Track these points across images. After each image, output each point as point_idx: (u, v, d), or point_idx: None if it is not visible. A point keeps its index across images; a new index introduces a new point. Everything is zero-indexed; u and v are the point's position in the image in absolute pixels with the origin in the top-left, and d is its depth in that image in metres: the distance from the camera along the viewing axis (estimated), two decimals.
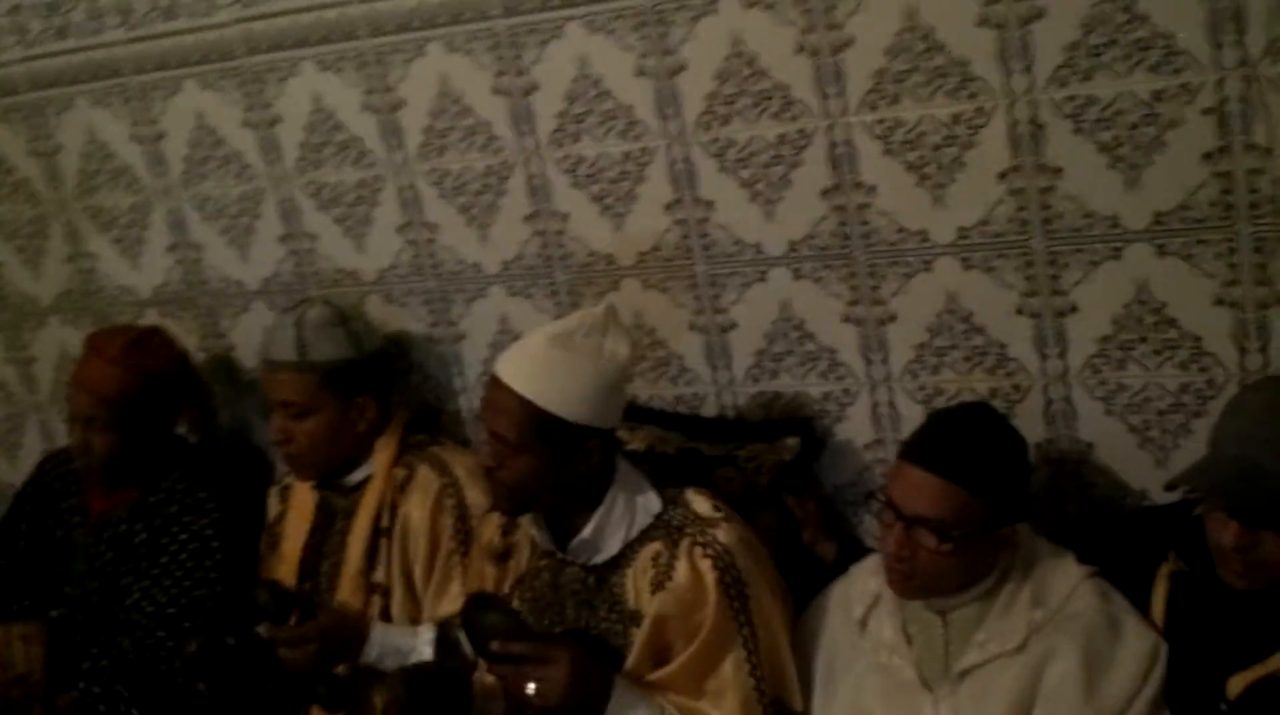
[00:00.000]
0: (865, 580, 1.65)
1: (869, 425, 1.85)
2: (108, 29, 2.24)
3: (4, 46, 2.35)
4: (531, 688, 1.54)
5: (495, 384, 1.63)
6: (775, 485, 1.80)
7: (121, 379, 2.14)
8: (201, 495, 2.18)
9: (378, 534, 1.97)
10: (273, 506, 2.15)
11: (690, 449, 1.83)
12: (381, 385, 2.05)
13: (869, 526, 1.86)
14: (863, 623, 1.62)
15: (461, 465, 2.00)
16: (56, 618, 2.24)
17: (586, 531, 1.66)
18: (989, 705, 1.50)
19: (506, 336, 2.13)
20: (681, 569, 1.60)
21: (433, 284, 2.17)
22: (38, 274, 2.56)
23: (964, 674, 1.52)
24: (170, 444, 2.28)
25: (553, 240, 2.03)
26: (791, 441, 1.81)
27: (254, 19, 2.11)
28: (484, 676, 1.75)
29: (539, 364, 1.61)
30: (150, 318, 2.45)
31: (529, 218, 2.04)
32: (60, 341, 2.60)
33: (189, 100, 2.23)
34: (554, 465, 1.61)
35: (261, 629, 1.87)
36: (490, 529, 1.85)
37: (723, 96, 1.80)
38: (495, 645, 1.56)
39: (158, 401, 2.19)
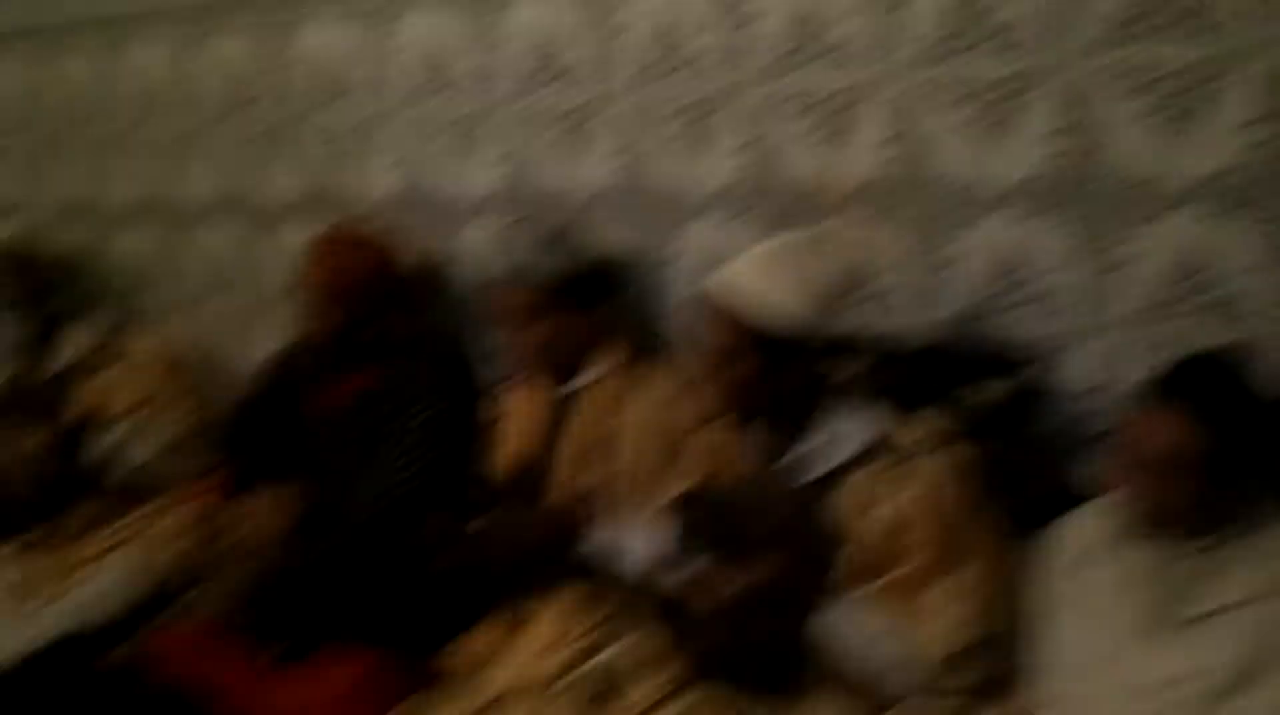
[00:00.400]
0: (1088, 524, 1.65)
1: (1087, 371, 1.85)
2: None
3: None
4: (740, 579, 1.60)
5: (709, 295, 1.70)
6: (987, 425, 1.82)
7: (332, 270, 2.34)
8: (418, 391, 2.34)
9: (599, 437, 2.06)
10: (495, 405, 2.28)
11: (904, 384, 1.85)
12: (609, 295, 2.16)
13: (1079, 475, 1.86)
14: (1083, 568, 1.63)
15: (678, 380, 2.07)
16: (302, 489, 2.45)
17: (804, 446, 1.71)
18: (1221, 653, 1.49)
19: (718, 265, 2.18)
20: (908, 483, 1.65)
21: (640, 206, 2.21)
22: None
23: (1193, 620, 1.52)
24: (392, 337, 2.44)
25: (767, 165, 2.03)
26: (1008, 383, 1.83)
27: None
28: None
29: (753, 277, 1.67)
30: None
31: (748, 144, 2.03)
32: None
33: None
34: (773, 368, 1.66)
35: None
36: (709, 433, 1.90)
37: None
38: (709, 535, 1.65)
39: (370, 291, 2.37)
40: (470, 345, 2.53)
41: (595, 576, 2.02)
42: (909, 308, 1.99)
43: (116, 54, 2.79)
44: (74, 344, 2.90)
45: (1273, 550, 1.50)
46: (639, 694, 1.89)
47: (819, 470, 1.73)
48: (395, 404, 2.35)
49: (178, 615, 2.32)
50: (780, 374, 1.68)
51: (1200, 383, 1.50)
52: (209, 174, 2.82)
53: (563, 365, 2.12)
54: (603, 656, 1.98)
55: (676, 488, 1.96)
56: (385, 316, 2.43)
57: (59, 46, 2.88)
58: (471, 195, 2.43)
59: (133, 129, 2.88)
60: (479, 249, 2.48)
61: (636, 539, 1.96)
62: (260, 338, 2.92)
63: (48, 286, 2.95)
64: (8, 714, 2.27)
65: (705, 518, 1.70)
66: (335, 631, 2.20)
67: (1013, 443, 1.84)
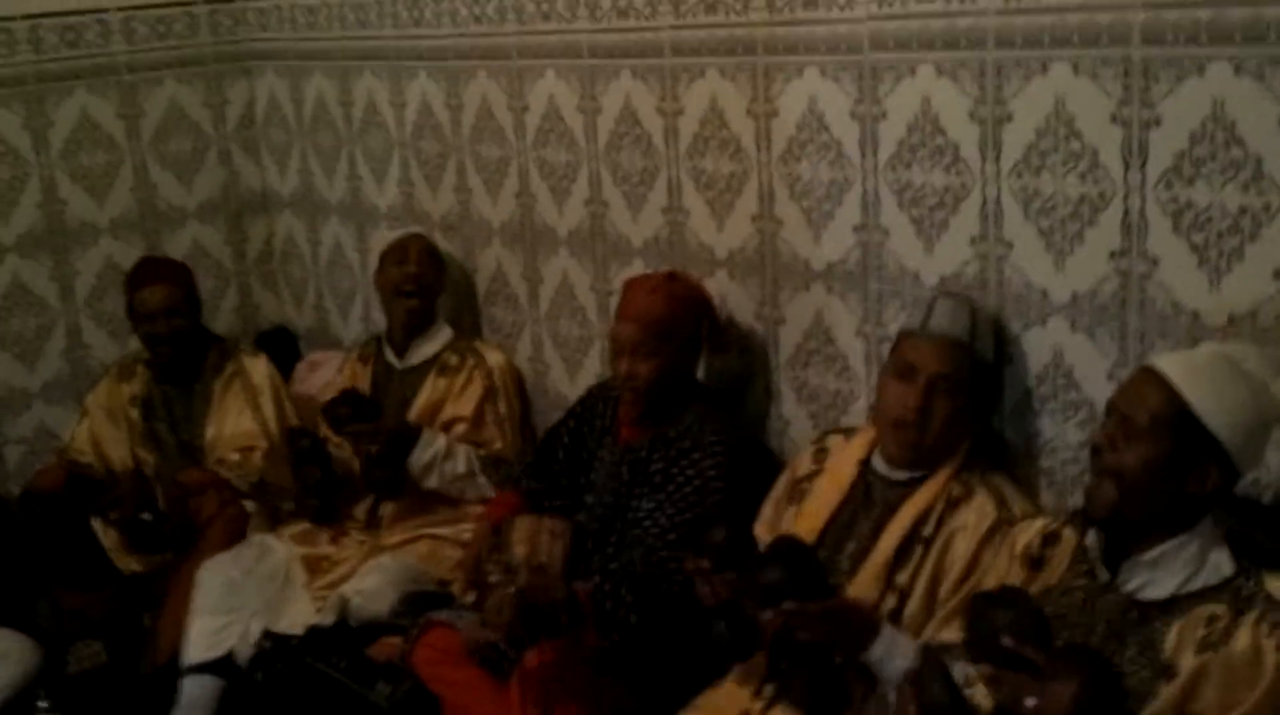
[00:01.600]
0: None
1: None
2: (752, 10, 2.50)
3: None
4: (1030, 702, 1.52)
5: (1147, 372, 1.66)
6: None
7: (661, 307, 2.48)
8: (712, 438, 2.43)
9: (915, 538, 2.03)
10: (804, 460, 2.30)
11: (1242, 533, 1.70)
12: (987, 395, 2.15)
13: None
14: None
15: (1019, 503, 2.03)
16: (580, 521, 2.59)
17: (1149, 555, 1.63)
18: None
19: (1057, 371, 2.11)
20: (1241, 639, 1.54)
21: (992, 302, 2.19)
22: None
23: None
24: (692, 383, 2.56)
25: (1135, 283, 1.98)
26: None
27: (886, 18, 2.25)
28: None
29: (1199, 366, 1.63)
30: (721, 277, 2.72)
31: (1113, 255, 2.00)
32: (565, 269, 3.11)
33: (806, 85, 2.43)
34: (1167, 467, 1.59)
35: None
36: (1030, 533, 1.86)
37: (1192, 157, 1.82)
38: (1007, 641, 1.56)
39: (688, 330, 2.50)
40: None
41: (869, 685, 1.96)
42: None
43: (522, 81, 3.12)
44: (437, 342, 3.21)
45: None
46: None
47: (1150, 593, 1.65)
48: (693, 444, 2.43)
49: (448, 621, 2.49)
50: (1167, 473, 1.60)
51: None
52: (575, 206, 3.05)
53: (939, 452, 2.08)
54: None
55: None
56: (692, 356, 2.55)
57: (465, 74, 3.27)
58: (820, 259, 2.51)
59: (518, 154, 3.18)
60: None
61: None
62: (592, 366, 3.12)
63: (441, 281, 3.27)
64: (287, 684, 2.51)
65: (1005, 622, 1.62)
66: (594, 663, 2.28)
67: None
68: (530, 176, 3.17)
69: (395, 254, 3.23)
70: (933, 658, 1.81)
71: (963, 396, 2.06)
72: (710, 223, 2.71)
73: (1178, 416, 1.59)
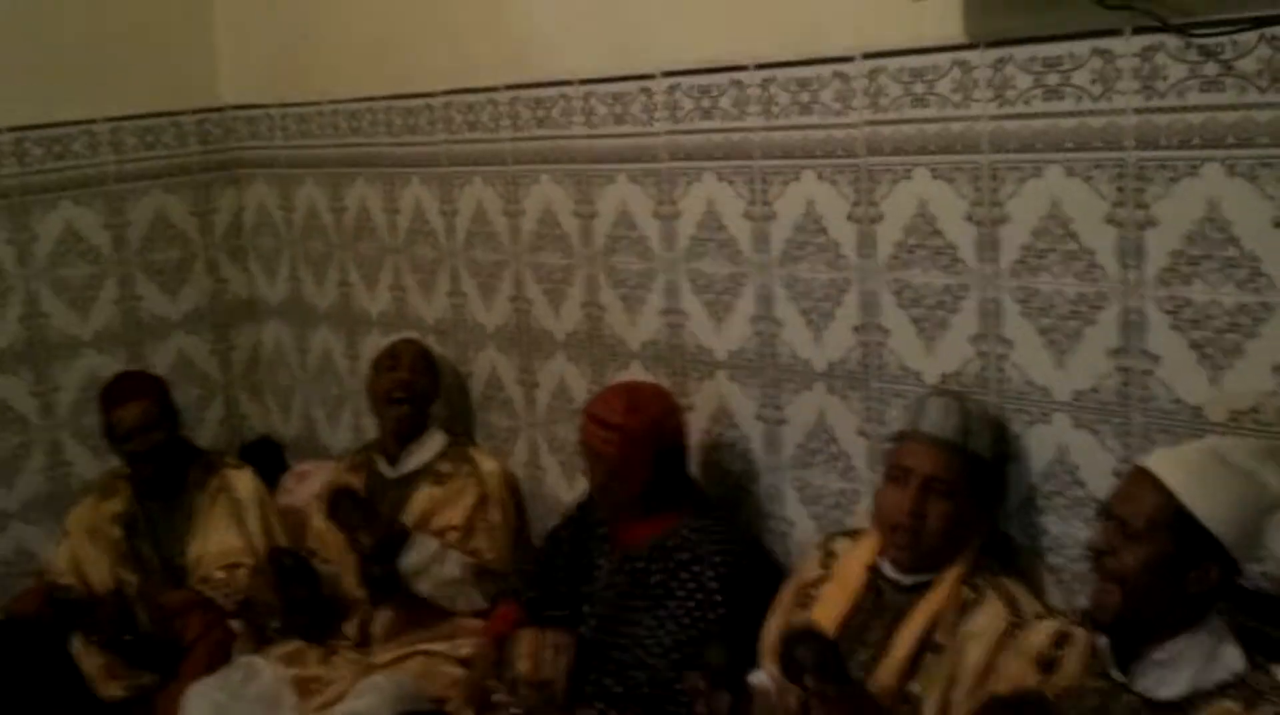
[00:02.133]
0: None
1: None
2: (749, 116, 2.59)
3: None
4: None
5: (1140, 473, 1.70)
6: None
7: (624, 431, 2.49)
8: (712, 549, 2.43)
9: (927, 646, 2.04)
10: (811, 565, 2.32)
11: (1254, 629, 1.73)
12: (994, 496, 2.17)
13: None
14: None
15: (1030, 605, 2.04)
16: (582, 633, 2.57)
17: (1159, 654, 1.66)
18: None
19: (1062, 468, 2.15)
20: None
21: (993, 400, 2.24)
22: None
23: None
24: (683, 485, 2.57)
25: (1137, 380, 2.03)
26: None
27: (882, 123, 2.34)
28: None
29: (1191, 465, 1.67)
30: (720, 378, 2.76)
31: (1113, 352, 2.05)
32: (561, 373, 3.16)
33: (804, 188, 2.51)
34: (1167, 567, 1.63)
35: (763, 680, 2.02)
36: (1042, 635, 1.88)
37: (1188, 257, 1.85)
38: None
39: (663, 444, 2.51)
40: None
41: None
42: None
43: (516, 187, 3.20)
44: (430, 449, 3.21)
45: None
46: None
47: (1162, 692, 1.67)
48: (692, 555, 2.44)
49: None
50: (1168, 573, 1.64)
51: None
52: (571, 309, 3.11)
53: (941, 555, 2.09)
54: None
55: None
56: (675, 466, 2.55)
57: (459, 179, 3.35)
58: (822, 359, 2.55)
59: (514, 258, 3.24)
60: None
61: None
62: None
63: (435, 387, 3.29)
64: None
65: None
66: None
67: None
68: (525, 280, 3.22)
69: (387, 360, 3.25)
70: None
71: (959, 497, 2.08)
72: (709, 324, 2.77)
73: (1174, 517, 1.63)
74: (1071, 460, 2.14)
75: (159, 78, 3.95)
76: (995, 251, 2.20)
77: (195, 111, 4.05)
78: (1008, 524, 2.24)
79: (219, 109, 4.09)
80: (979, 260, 2.23)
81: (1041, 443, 2.18)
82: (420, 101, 3.41)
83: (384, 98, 3.53)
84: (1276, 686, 1.60)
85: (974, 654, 1.99)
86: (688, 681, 2.06)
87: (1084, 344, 2.10)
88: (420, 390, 3.21)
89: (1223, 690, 1.63)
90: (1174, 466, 1.68)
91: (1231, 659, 1.65)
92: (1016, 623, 2.00)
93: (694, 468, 2.76)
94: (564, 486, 3.19)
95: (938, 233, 2.29)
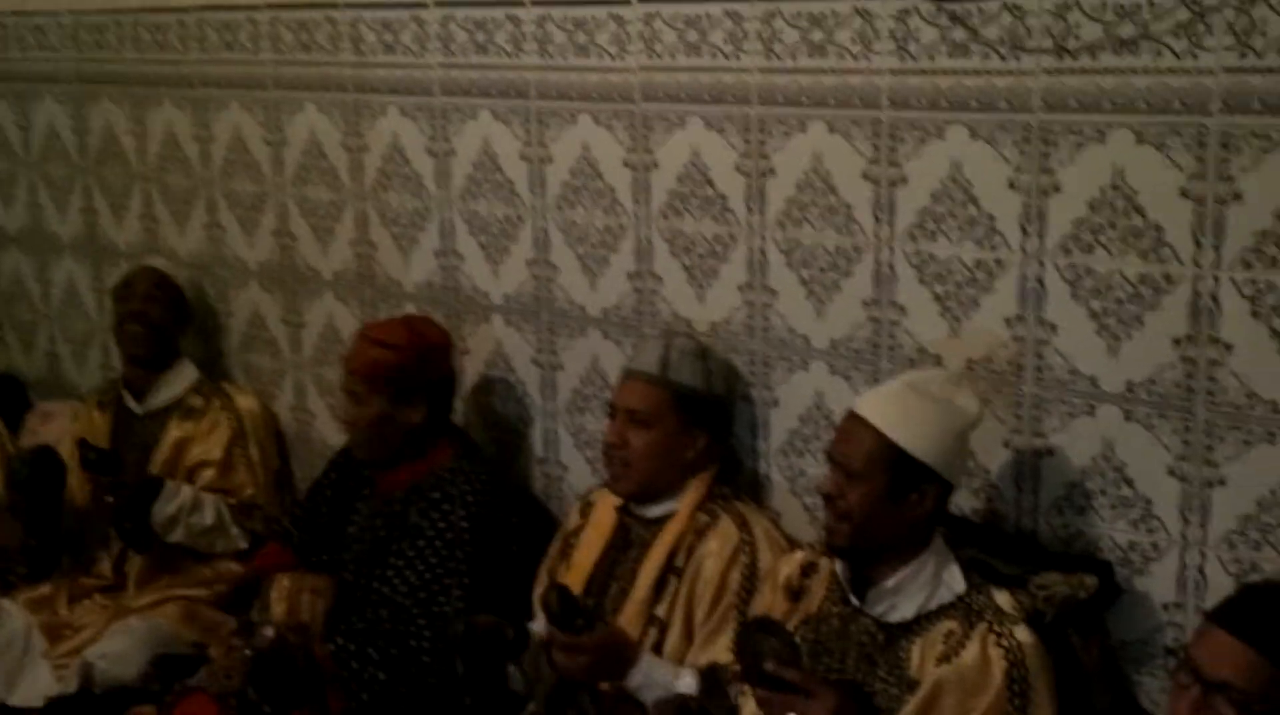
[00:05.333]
0: None
1: (1173, 585, 1.96)
2: (524, 54, 2.70)
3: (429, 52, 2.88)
4: None
5: (851, 416, 1.94)
6: (1061, 620, 1.94)
7: (385, 357, 2.58)
8: (465, 488, 2.56)
9: (669, 570, 2.27)
10: (572, 517, 2.52)
11: (982, 561, 2.00)
12: (718, 426, 2.37)
13: (1148, 689, 1.98)
14: None
15: (761, 525, 2.30)
16: (342, 579, 2.68)
17: (889, 582, 1.91)
18: None
19: (819, 412, 2.39)
20: (972, 650, 1.82)
21: (758, 347, 2.45)
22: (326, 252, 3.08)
23: None
24: (441, 429, 2.67)
25: (886, 329, 2.27)
26: (1090, 580, 1.94)
27: (656, 70, 2.49)
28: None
29: (893, 401, 1.91)
30: (497, 323, 2.89)
31: (867, 303, 2.29)
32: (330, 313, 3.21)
33: (580, 132, 2.65)
34: (889, 498, 1.87)
35: (539, 628, 2.20)
36: (791, 566, 2.10)
37: (1091, 224, 1.99)
38: (770, 666, 1.81)
39: (417, 379, 2.60)
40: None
41: (637, 711, 2.18)
42: (1003, 489, 2.15)
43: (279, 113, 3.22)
44: (179, 383, 3.23)
45: None
46: None
47: (897, 616, 1.91)
48: (444, 495, 2.57)
49: (202, 682, 2.50)
50: (889, 503, 1.88)
51: (1264, 612, 1.58)
52: (340, 247, 3.16)
53: (657, 482, 2.32)
54: None
55: (729, 641, 2.13)
56: (428, 405, 2.65)
57: (215, 104, 3.34)
58: (596, 305, 2.71)
59: (275, 190, 3.26)
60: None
61: (683, 682, 2.15)
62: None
63: (180, 318, 3.29)
64: None
65: (768, 649, 1.85)
66: None
67: (1088, 642, 1.96)
68: (290, 214, 3.25)
69: (121, 289, 3.27)
70: (714, 679, 2.04)
71: (660, 426, 2.30)
72: (485, 267, 2.88)
73: (886, 452, 1.87)
74: (828, 405, 2.37)
75: None
76: (763, 203, 2.39)
77: None
78: (768, 464, 2.47)
79: None
80: (748, 211, 2.42)
81: (799, 389, 2.41)
82: (171, 17, 3.36)
83: (130, 10, 3.45)
84: (992, 605, 1.87)
85: (709, 571, 2.25)
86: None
87: (841, 295, 2.32)
88: (157, 319, 3.22)
89: (946, 610, 1.89)
90: (878, 406, 1.92)
91: (953, 581, 1.91)
92: (747, 539, 2.26)
93: (467, 412, 2.89)
94: (333, 431, 3.25)
95: (709, 182, 2.46)
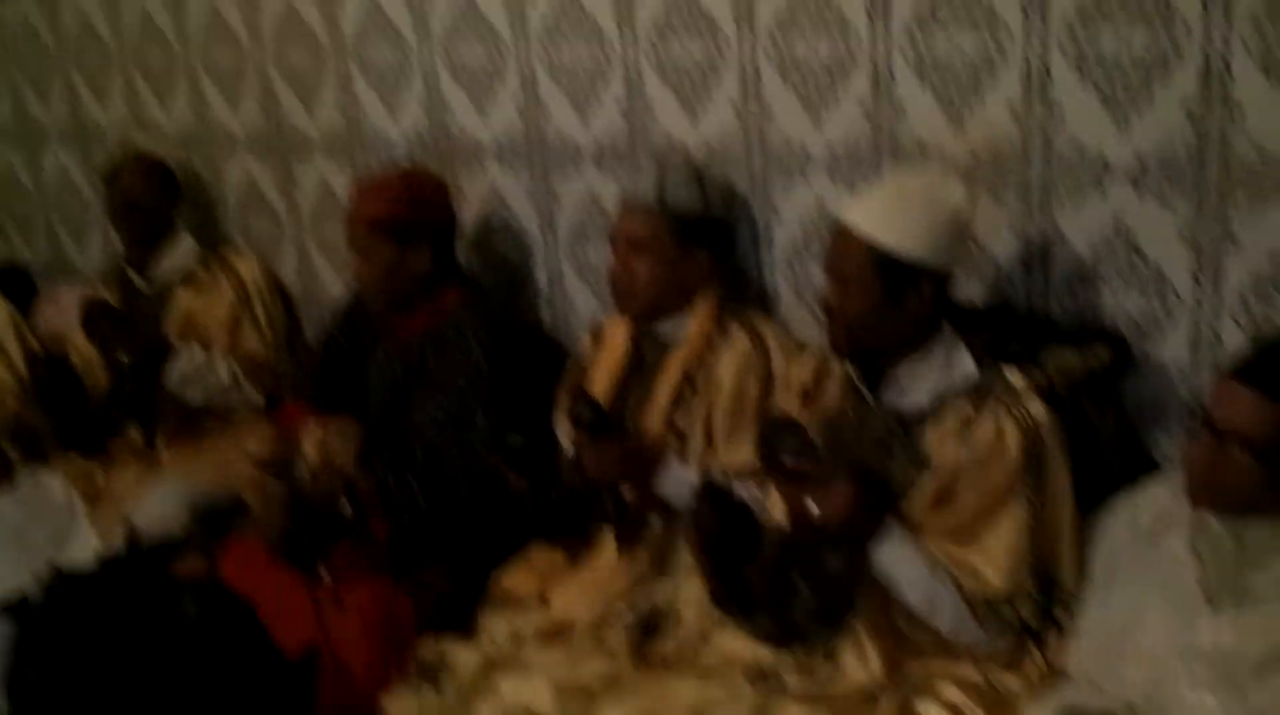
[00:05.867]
0: (1157, 495, 1.71)
1: (1186, 350, 1.88)
2: None
3: None
4: (813, 505, 1.71)
5: (839, 228, 1.82)
6: (1075, 392, 1.85)
7: (377, 207, 2.42)
8: (477, 323, 2.45)
9: (686, 385, 2.18)
10: (585, 344, 2.42)
11: (995, 343, 1.89)
12: (719, 244, 2.25)
13: (1162, 447, 1.91)
14: (1151, 535, 1.67)
15: (772, 333, 2.21)
16: (368, 424, 2.56)
17: (902, 372, 1.83)
18: (1274, 628, 1.52)
19: (821, 221, 2.25)
20: (986, 427, 1.75)
21: (757, 162, 2.30)
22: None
23: (1252, 593, 1.55)
24: (449, 273, 2.53)
25: (886, 130, 2.12)
26: (1103, 351, 1.87)
27: None
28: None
29: (875, 205, 1.80)
30: (491, 167, 2.71)
31: (865, 106, 2.13)
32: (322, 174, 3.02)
33: None
34: (887, 301, 1.77)
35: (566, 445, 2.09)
36: (804, 370, 2.02)
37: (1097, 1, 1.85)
38: (788, 459, 1.74)
39: (418, 224, 2.45)
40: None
41: (665, 514, 2.12)
42: (1019, 270, 2.03)
43: None
44: (181, 254, 3.09)
45: None
46: (683, 632, 1.98)
47: (910, 405, 1.83)
48: (459, 334, 2.46)
49: (241, 533, 2.44)
50: (887, 306, 1.77)
51: (1274, 362, 1.52)
52: (325, 107, 2.96)
53: (663, 303, 2.20)
54: (654, 592, 2.08)
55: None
56: (433, 249, 2.49)
57: None
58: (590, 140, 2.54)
59: (255, 58, 3.04)
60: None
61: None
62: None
63: (171, 195, 3.11)
64: (85, 615, 2.36)
65: (791, 441, 1.78)
66: (399, 553, 2.27)
67: (1103, 410, 1.87)
68: (273, 80, 3.03)
69: (110, 177, 3.11)
70: (707, 485, 1.96)
71: (660, 252, 2.17)
72: (473, 113, 2.70)
73: (875, 258, 1.76)
74: (830, 213, 2.22)
75: None
76: (752, 17, 2.22)
77: None
78: (774, 276, 2.35)
79: None
80: (737, 28, 2.24)
81: (799, 200, 2.27)
82: None
83: None
84: (1005, 383, 1.78)
85: (726, 381, 2.15)
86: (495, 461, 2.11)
87: (837, 102, 2.17)
88: (148, 202, 3.07)
89: (959, 394, 1.80)
90: (862, 214, 1.80)
91: (964, 365, 1.82)
92: (759, 347, 2.16)
93: (470, 258, 2.73)
94: (340, 288, 3.11)
95: (696, 4, 2.27)
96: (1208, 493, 1.57)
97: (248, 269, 3.09)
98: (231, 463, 2.81)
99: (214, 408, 2.95)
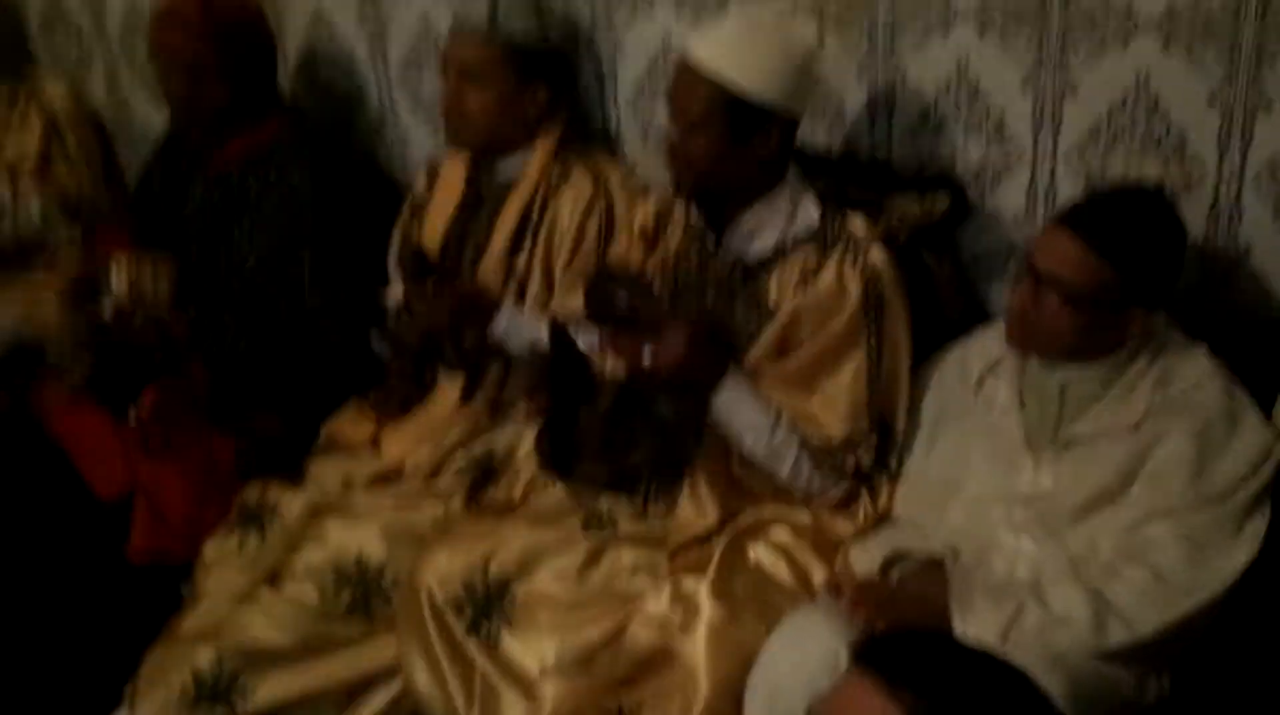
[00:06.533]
0: (987, 343, 1.70)
1: (1023, 198, 1.84)
2: None
3: None
4: (649, 352, 1.63)
5: (682, 65, 1.69)
6: (914, 241, 1.81)
7: (184, 38, 2.19)
8: (304, 153, 2.26)
9: (525, 225, 2.06)
10: (420, 181, 2.24)
11: (838, 190, 1.82)
12: (559, 78, 2.08)
13: (997, 298, 1.89)
14: (979, 382, 1.67)
15: (615, 174, 2.08)
16: (185, 258, 2.36)
17: (747, 218, 1.74)
18: (1090, 474, 1.55)
19: (665, 58, 2.12)
20: (828, 274, 1.69)
21: None
22: None
23: (1071, 441, 1.56)
24: (273, 98, 2.34)
25: None
26: (941, 199, 1.82)
27: None
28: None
29: (725, 43, 1.66)
30: None
31: None
32: None
33: None
34: (732, 142, 1.66)
35: (396, 292, 1.97)
36: (645, 212, 1.92)
37: None
38: (621, 306, 1.66)
39: (245, 39, 2.24)
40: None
41: (498, 359, 2.02)
42: (862, 115, 1.95)
43: None
44: None
45: (1158, 382, 1.54)
46: (518, 479, 1.92)
47: (752, 252, 1.75)
48: (284, 162, 2.26)
49: (51, 373, 2.23)
50: (733, 148, 1.67)
51: (1107, 215, 1.50)
52: None
53: (498, 138, 2.05)
54: (490, 440, 2.01)
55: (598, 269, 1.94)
56: (244, 83, 2.27)
57: None
58: None
59: None
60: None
61: (542, 326, 1.94)
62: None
63: None
64: None
65: (623, 292, 1.70)
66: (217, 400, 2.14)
67: (941, 259, 1.84)
68: None
69: None
70: (557, 330, 1.85)
71: (494, 86, 2.01)
72: None
73: (723, 97, 1.64)
74: (675, 48, 2.09)
75: None
76: None
77: None
78: (619, 115, 2.23)
79: None
80: None
81: (644, 34, 2.13)
82: None
83: None
84: (847, 230, 1.71)
85: (565, 223, 2.04)
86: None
87: None
88: None
89: (802, 241, 1.73)
90: (710, 51, 1.65)
91: (809, 212, 1.74)
92: (601, 188, 2.04)
93: (294, 88, 2.51)
94: (154, 112, 2.85)
95: None
96: (1026, 337, 1.56)
97: (56, 92, 2.74)
98: (41, 302, 2.61)
99: (26, 246, 2.66)
